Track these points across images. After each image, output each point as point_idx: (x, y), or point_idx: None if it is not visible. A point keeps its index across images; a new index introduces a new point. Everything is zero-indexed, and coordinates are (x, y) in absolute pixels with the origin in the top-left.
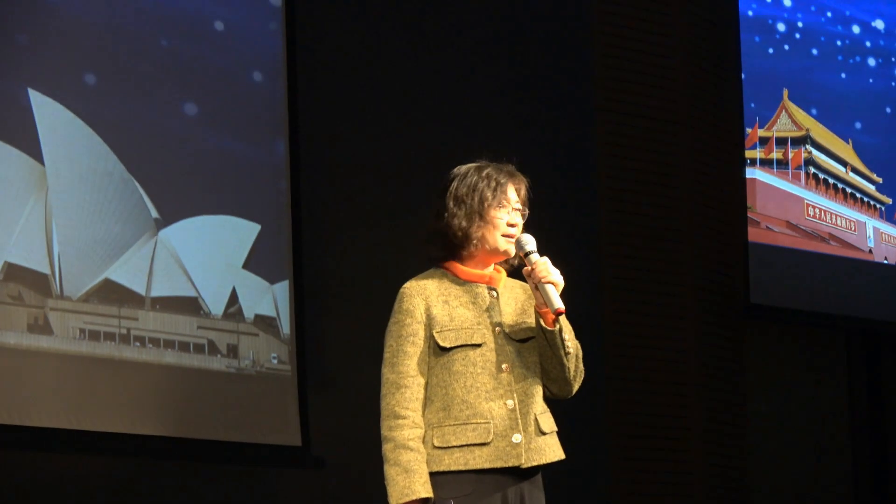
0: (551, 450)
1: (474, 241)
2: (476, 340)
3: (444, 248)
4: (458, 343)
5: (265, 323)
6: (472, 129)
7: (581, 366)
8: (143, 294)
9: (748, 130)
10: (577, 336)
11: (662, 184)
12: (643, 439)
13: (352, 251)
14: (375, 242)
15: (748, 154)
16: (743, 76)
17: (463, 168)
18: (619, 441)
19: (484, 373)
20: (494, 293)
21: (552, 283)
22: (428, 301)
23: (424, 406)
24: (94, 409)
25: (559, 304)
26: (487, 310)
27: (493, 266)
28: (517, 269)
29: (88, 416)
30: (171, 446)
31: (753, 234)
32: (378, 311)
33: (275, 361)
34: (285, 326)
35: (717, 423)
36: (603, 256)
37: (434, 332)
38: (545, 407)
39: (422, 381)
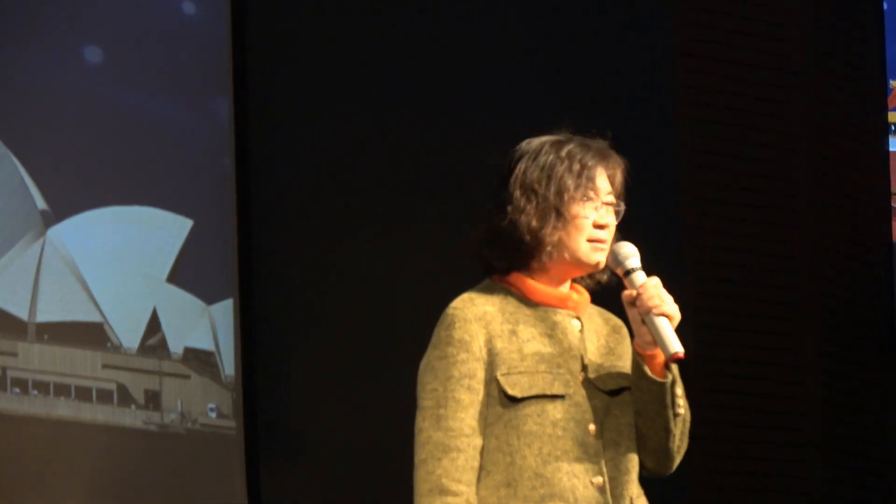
0: None
1: (548, 249)
2: (557, 390)
3: (507, 255)
4: (533, 392)
5: (199, 360)
6: (500, 90)
7: (687, 432)
8: (25, 319)
9: (893, 84)
10: None
11: (768, 161)
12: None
13: (323, 257)
14: (358, 244)
15: (893, 118)
16: (885, 6)
17: (535, 143)
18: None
19: (566, 436)
20: (578, 323)
21: (665, 316)
22: (489, 330)
23: (478, 478)
24: None
25: (677, 345)
26: (571, 347)
27: (569, 283)
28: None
29: None
30: None
31: None
32: (363, 342)
33: (213, 415)
34: (228, 365)
35: (850, 491)
36: (686, 267)
37: (498, 374)
38: (641, 489)
39: (479, 443)
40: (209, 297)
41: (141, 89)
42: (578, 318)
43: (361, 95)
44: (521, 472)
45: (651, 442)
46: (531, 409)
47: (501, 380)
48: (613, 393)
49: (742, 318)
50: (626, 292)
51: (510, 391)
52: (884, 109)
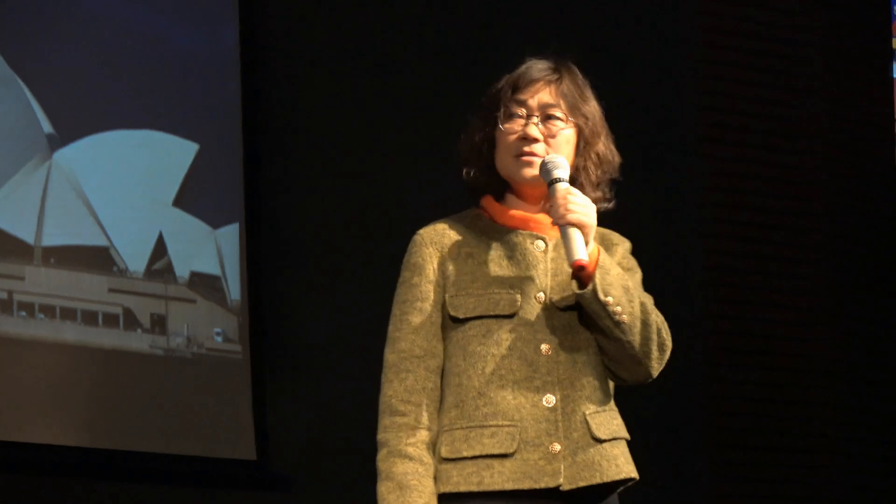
0: (611, 464)
1: (485, 168)
2: (503, 310)
3: (467, 179)
4: (477, 313)
5: (206, 284)
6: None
7: (659, 336)
8: (32, 242)
9: None
10: (667, 314)
11: (773, 101)
12: (754, 452)
13: (329, 181)
14: (366, 169)
15: None
16: None
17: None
18: (720, 457)
19: (512, 356)
20: (542, 244)
21: (574, 225)
22: (444, 253)
23: (441, 401)
24: None
25: (579, 254)
26: (530, 267)
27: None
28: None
29: None
30: (72, 459)
31: None
32: (373, 268)
33: (219, 339)
34: (234, 289)
35: (858, 426)
36: (698, 197)
37: (447, 296)
38: (607, 405)
39: (433, 364)
40: (215, 222)
41: (147, 13)
42: (543, 239)
43: (370, 19)
44: (466, 393)
45: (609, 352)
46: (475, 329)
47: (448, 301)
48: (572, 309)
49: (752, 252)
50: (544, 204)
51: (452, 312)
52: (888, 37)
